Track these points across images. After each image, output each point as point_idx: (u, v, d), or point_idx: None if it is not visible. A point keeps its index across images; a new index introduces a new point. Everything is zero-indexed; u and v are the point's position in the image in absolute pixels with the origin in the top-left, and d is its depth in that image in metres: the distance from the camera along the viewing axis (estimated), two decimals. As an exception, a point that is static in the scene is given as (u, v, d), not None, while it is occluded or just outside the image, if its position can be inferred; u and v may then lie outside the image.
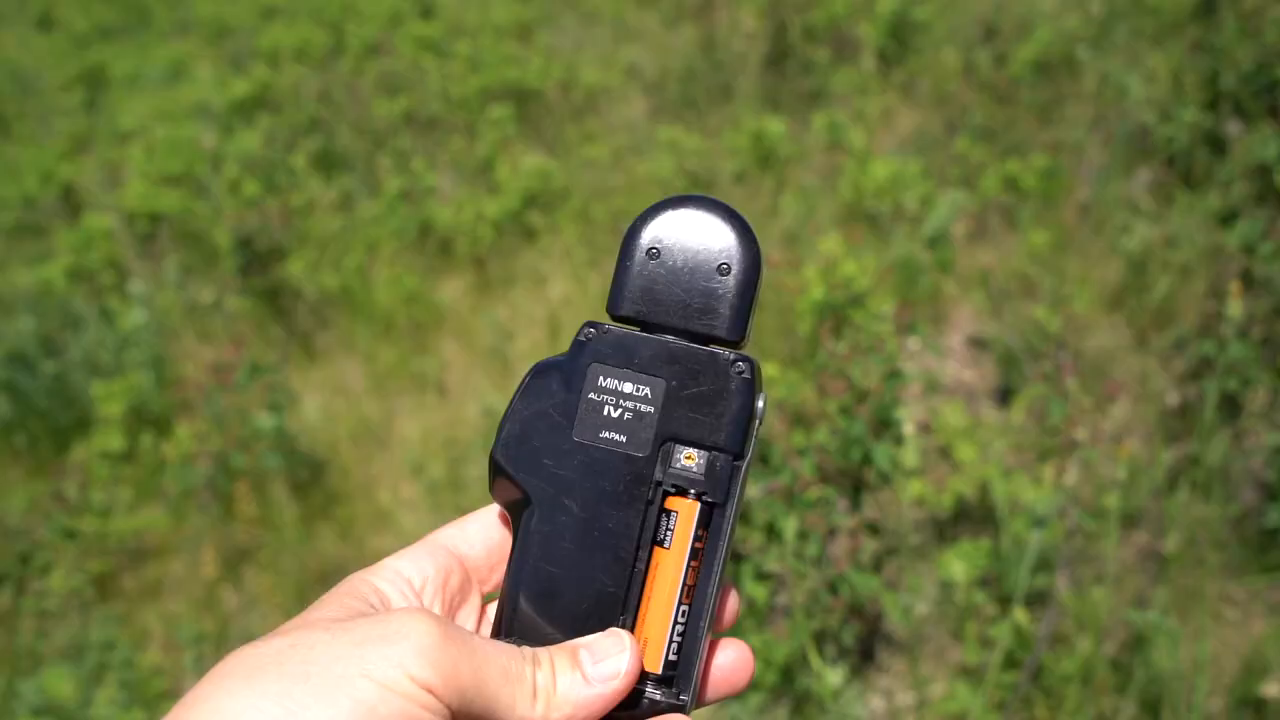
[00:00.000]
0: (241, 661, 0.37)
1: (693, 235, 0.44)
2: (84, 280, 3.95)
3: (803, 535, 1.93)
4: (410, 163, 4.16)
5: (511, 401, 0.45)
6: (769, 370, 2.20)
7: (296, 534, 2.78)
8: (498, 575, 0.47)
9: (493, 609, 0.46)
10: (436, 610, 0.45)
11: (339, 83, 5.07)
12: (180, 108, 5.21)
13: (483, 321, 3.51)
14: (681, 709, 0.44)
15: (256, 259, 3.78)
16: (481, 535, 0.47)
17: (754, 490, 1.96)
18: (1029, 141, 3.83)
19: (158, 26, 7.22)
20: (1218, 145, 3.34)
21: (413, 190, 4.03)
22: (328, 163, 4.51)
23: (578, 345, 0.45)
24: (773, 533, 1.94)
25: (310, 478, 2.96)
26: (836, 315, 2.34)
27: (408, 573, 0.44)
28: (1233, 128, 3.31)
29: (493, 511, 0.47)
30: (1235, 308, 1.89)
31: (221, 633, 2.51)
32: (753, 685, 1.87)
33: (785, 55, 4.63)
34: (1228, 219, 2.79)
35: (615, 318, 0.46)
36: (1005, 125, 3.88)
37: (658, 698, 0.44)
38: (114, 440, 2.95)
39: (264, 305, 3.76)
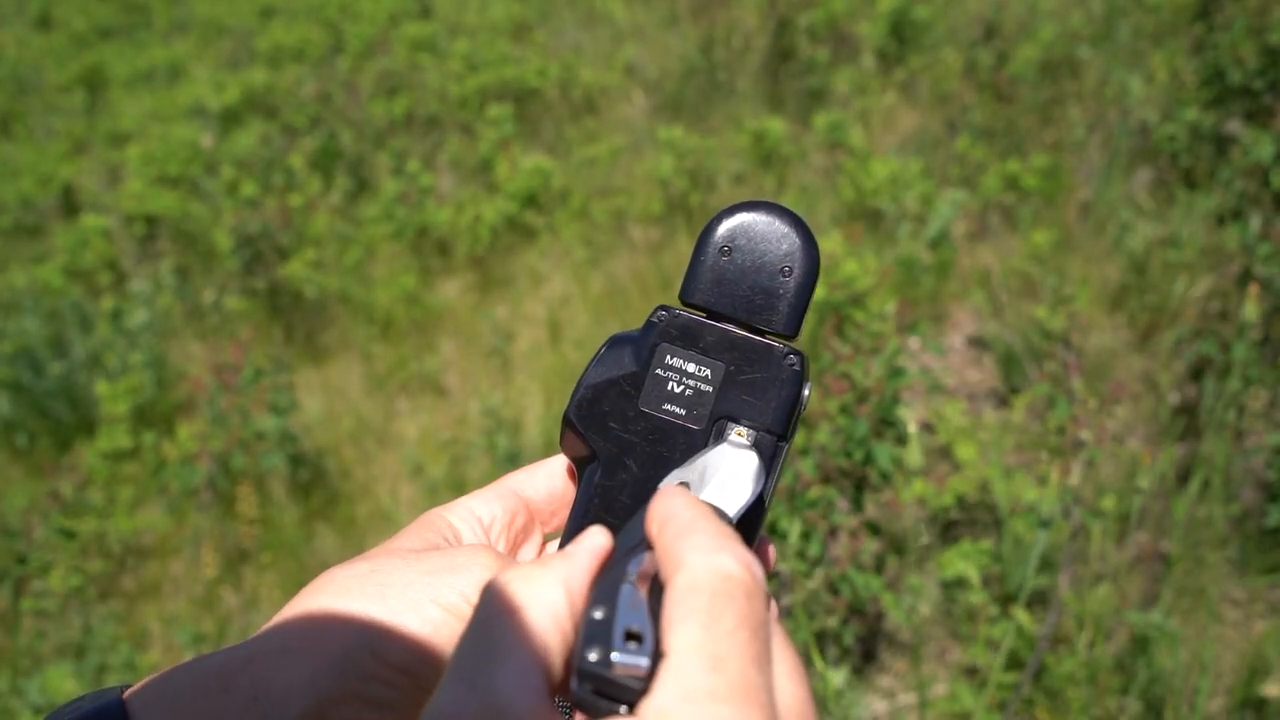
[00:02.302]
0: (330, 581, 0.43)
1: (762, 238, 0.49)
2: (80, 280, 3.94)
3: (804, 535, 1.92)
4: (409, 163, 4.16)
5: (587, 368, 0.50)
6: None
7: (296, 534, 2.78)
8: (558, 518, 0.52)
9: (552, 547, 0.52)
10: (501, 546, 0.50)
11: (337, 83, 5.07)
12: (178, 108, 5.21)
13: (482, 321, 3.50)
14: None
15: (256, 259, 3.77)
16: (547, 483, 0.52)
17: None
18: (1029, 141, 3.82)
19: (157, 26, 7.22)
20: (1219, 144, 3.34)
21: (411, 190, 4.02)
22: (326, 163, 4.50)
23: (650, 325, 0.50)
24: (774, 532, 1.93)
25: (310, 478, 2.96)
26: (838, 314, 2.33)
27: (479, 512, 0.49)
28: (1234, 127, 3.31)
29: (559, 462, 0.52)
30: (1252, 311, 1.87)
31: (221, 633, 2.51)
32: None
33: (785, 55, 4.62)
34: (1228, 219, 2.78)
35: (686, 304, 0.50)
36: (1006, 125, 3.88)
37: None
38: (120, 439, 2.95)
39: (264, 306, 3.75)
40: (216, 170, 4.40)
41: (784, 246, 0.49)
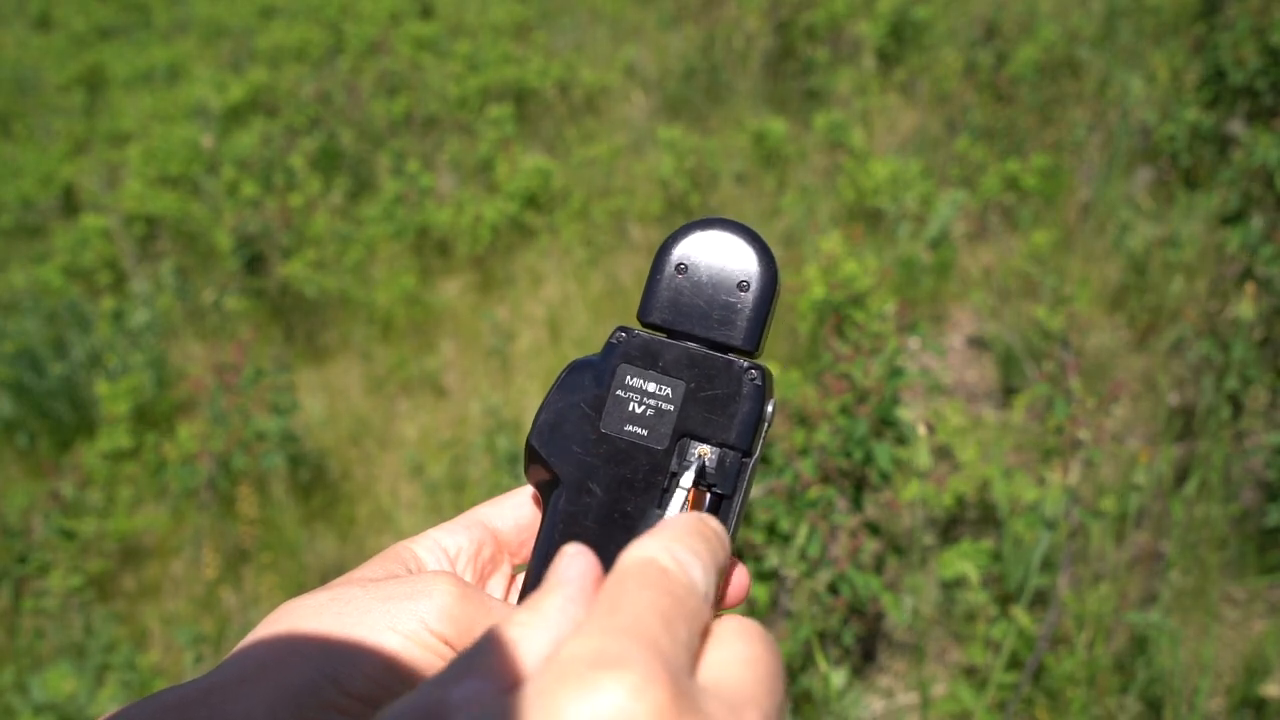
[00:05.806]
0: (289, 611, 0.43)
1: (717, 254, 0.49)
2: (80, 280, 3.94)
3: (807, 537, 1.92)
4: (409, 163, 4.16)
5: (549, 393, 0.50)
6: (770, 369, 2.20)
7: (297, 534, 2.78)
8: (526, 549, 0.51)
9: (521, 579, 0.51)
10: (468, 578, 0.49)
11: (338, 83, 5.07)
12: (179, 108, 5.21)
13: (483, 321, 3.50)
14: None
15: (256, 259, 3.77)
16: (514, 513, 0.51)
17: (756, 490, 1.96)
18: (1029, 141, 3.82)
19: (157, 26, 7.22)
20: (1220, 145, 3.34)
21: (411, 190, 4.02)
22: (327, 163, 4.50)
23: (609, 347, 0.49)
24: (774, 533, 1.94)
25: (311, 478, 2.96)
26: (837, 315, 2.33)
27: (445, 543, 0.49)
28: (1235, 127, 3.31)
29: (526, 492, 0.52)
30: (1248, 309, 1.87)
31: (221, 632, 2.51)
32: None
33: (785, 55, 4.62)
34: (1229, 219, 2.78)
35: (644, 324, 0.50)
36: (1006, 125, 3.88)
37: None
38: (121, 439, 2.95)
39: (264, 306, 3.75)
40: (217, 170, 4.40)
41: (740, 262, 0.48)
